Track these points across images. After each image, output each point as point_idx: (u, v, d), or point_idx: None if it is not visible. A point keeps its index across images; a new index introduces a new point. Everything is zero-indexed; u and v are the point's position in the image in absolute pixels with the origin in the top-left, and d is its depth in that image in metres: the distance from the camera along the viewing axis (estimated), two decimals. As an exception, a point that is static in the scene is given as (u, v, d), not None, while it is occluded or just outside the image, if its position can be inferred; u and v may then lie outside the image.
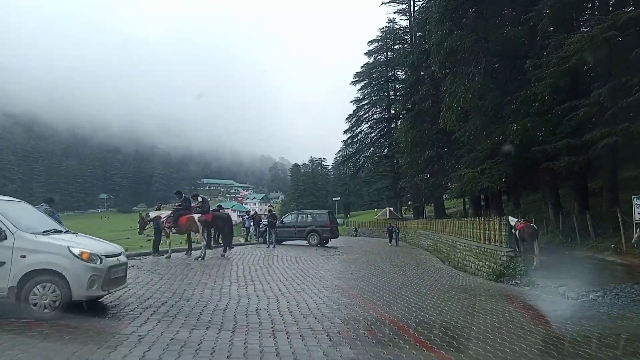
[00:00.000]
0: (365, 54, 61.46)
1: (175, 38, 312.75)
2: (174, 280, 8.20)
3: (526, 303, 7.96)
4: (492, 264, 13.82)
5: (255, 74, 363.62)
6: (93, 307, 5.29)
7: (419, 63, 34.06)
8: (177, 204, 13.08)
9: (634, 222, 14.08)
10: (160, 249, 13.19)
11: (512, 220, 14.73)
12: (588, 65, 15.13)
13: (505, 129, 19.44)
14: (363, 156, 61.85)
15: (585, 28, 17.85)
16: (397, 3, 52.69)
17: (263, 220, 23.97)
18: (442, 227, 27.51)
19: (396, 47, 58.07)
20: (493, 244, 14.84)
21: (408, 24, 52.67)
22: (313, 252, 17.58)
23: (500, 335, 5.11)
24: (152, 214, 12.95)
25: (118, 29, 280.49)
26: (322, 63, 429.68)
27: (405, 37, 54.42)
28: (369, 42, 60.61)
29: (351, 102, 61.74)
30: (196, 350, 4.01)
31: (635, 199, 14.05)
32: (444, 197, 45.42)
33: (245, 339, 4.51)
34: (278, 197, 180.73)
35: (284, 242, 23.13)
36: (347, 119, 62.04)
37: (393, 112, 58.71)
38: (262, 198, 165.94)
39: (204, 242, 12.23)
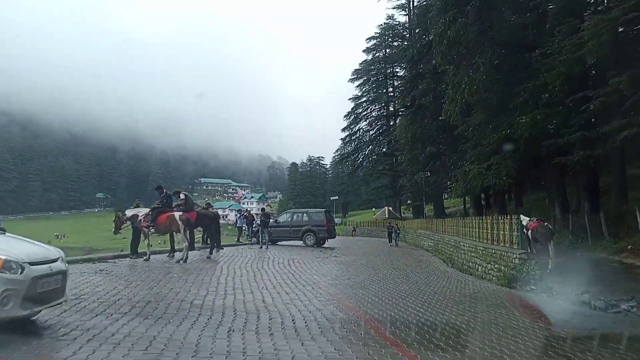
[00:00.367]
0: (364, 51, 60.43)
1: (172, 37, 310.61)
2: (142, 288, 7.01)
3: (554, 316, 6.78)
4: (503, 267, 12.66)
5: (253, 72, 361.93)
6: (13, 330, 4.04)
7: (419, 57, 32.92)
8: (156, 201, 11.88)
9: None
10: (139, 251, 11.99)
11: (524, 220, 13.57)
12: (605, 51, 13.92)
13: (513, 122, 18.28)
14: (361, 154, 60.92)
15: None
16: (397, -3, 51.55)
17: (256, 219, 22.77)
18: (444, 227, 26.39)
19: (395, 43, 56.99)
20: (502, 245, 13.68)
21: (407, 20, 51.71)
22: (308, 254, 16.39)
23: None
24: (129, 212, 11.74)
25: (114, 28, 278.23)
26: (321, 62, 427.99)
27: (404, 33, 53.38)
28: (367, 39, 59.72)
29: (349, 99, 60.77)
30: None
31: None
32: (444, 196, 44.45)
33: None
34: (276, 197, 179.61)
35: (278, 243, 21.98)
36: (345, 116, 61.04)
37: (392, 109, 57.77)
38: (260, 197, 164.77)
39: (186, 243, 11.03)
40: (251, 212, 21.33)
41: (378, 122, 59.86)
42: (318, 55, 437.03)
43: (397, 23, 56.11)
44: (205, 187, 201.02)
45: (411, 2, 48.40)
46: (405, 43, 46.92)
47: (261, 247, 18.11)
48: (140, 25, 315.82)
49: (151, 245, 11.81)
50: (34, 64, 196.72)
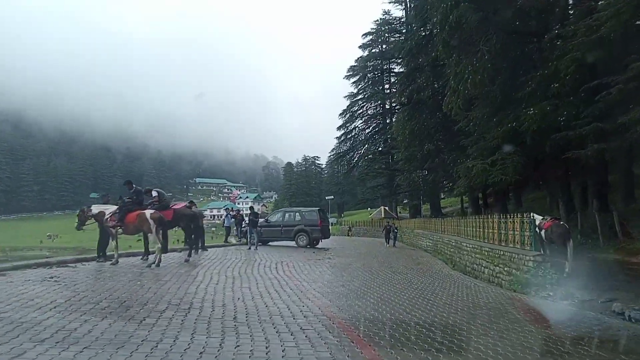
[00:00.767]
0: (360, 47, 59.40)
1: (166, 36, 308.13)
2: (88, 302, 5.68)
3: (596, 334, 5.53)
4: (514, 271, 11.40)
5: (248, 72, 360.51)
6: None
7: (417, 50, 31.62)
8: (126, 198, 10.53)
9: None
10: (107, 253, 10.64)
11: (537, 218, 12.32)
12: (625, 32, 12.70)
13: (519, 114, 17.06)
14: (357, 153, 59.96)
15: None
16: (393, -9, 50.44)
17: (245, 219, 21.39)
18: (443, 227, 25.18)
19: (392, 39, 55.85)
20: (512, 245, 12.45)
21: (404, 14, 50.58)
22: (300, 255, 15.09)
23: None
24: (96, 209, 10.36)
25: (107, 26, 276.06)
26: (317, 60, 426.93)
27: (401, 28, 52.31)
28: (363, 34, 58.66)
29: (345, 97, 59.70)
30: None
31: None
32: (441, 195, 43.38)
33: None
34: (271, 197, 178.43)
35: (269, 243, 20.68)
36: (340, 114, 59.99)
37: (388, 106, 56.73)
38: (255, 197, 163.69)
39: (159, 245, 9.69)
40: (240, 212, 19.94)
41: (374, 120, 58.87)
42: (314, 54, 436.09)
43: (394, 18, 55.16)
44: (200, 187, 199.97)
45: (408, -6, 47.26)
46: (403, 37, 45.72)
47: (249, 249, 16.79)
48: (133, 23, 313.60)
49: (130, 247, 10.49)
50: (25, 62, 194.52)
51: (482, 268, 14.30)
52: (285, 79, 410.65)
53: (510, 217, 12.85)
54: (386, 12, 56.47)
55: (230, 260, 11.93)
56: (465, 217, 24.27)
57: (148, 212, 9.79)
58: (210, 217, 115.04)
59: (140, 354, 3.63)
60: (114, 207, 10.21)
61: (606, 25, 12.42)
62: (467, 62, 18.37)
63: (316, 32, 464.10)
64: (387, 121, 56.70)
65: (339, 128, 59.94)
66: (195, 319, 5.02)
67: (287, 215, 20.73)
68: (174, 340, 4.08)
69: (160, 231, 9.85)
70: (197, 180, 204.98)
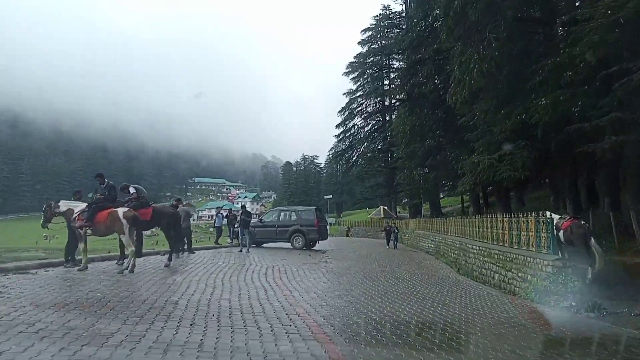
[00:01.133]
0: (359, 43, 58.50)
1: (164, 35, 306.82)
2: (21, 322, 4.56)
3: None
4: (530, 277, 10.29)
5: (246, 71, 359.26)
6: None
7: (419, 42, 30.44)
8: (97, 194, 9.40)
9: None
10: (77, 257, 9.51)
11: (554, 217, 11.21)
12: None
13: (529, 105, 15.94)
14: (356, 152, 58.97)
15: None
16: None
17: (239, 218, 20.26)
18: (446, 227, 24.10)
19: (391, 34, 54.82)
20: (526, 248, 11.34)
21: (403, 8, 49.56)
22: (295, 259, 13.98)
23: None
24: (64, 205, 9.20)
25: (103, 25, 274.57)
26: (316, 60, 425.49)
27: (401, 23, 51.27)
28: (362, 31, 57.89)
29: (344, 94, 58.68)
30: None
31: None
32: (440, 195, 42.35)
33: None
34: (270, 196, 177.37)
35: (264, 245, 19.57)
36: (339, 112, 58.99)
37: (387, 103, 55.70)
38: (254, 197, 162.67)
39: (132, 249, 8.56)
40: (233, 211, 18.80)
41: (373, 117, 57.98)
42: (313, 52, 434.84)
43: (394, 12, 54.25)
44: (199, 187, 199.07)
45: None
46: (403, 31, 44.63)
47: (241, 251, 15.66)
48: (132, 23, 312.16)
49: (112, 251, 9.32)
50: (21, 61, 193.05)
51: (492, 273, 13.20)
52: (284, 78, 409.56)
53: (523, 217, 11.74)
54: (385, 7, 55.63)
55: (217, 265, 10.80)
56: (467, 216, 23.15)
57: (121, 211, 8.66)
58: (209, 217, 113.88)
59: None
60: (84, 205, 9.07)
61: (628, 5, 11.32)
62: (474, 50, 17.24)
63: (315, 31, 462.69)
64: (387, 118, 55.84)
65: (337, 126, 59.05)
66: (150, 347, 3.90)
67: (282, 214, 19.60)
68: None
69: (135, 232, 8.71)
70: (196, 179, 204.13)
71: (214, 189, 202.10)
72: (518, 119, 16.26)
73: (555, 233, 10.79)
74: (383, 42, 56.30)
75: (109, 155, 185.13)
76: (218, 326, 4.79)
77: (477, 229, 16.51)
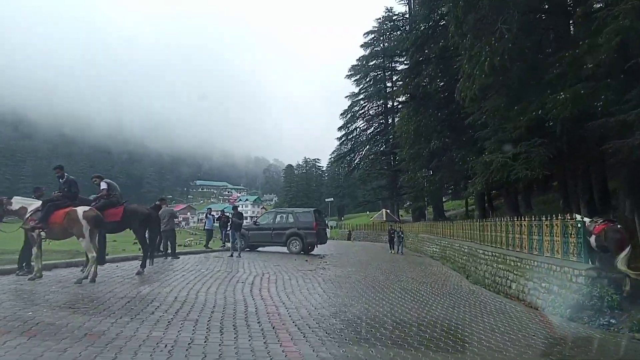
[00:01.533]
0: (362, 46, 57.69)
1: (166, 38, 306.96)
2: None
3: None
4: (556, 288, 8.98)
5: (248, 74, 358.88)
6: None
7: (423, 41, 29.20)
8: (54, 192, 8.11)
9: None
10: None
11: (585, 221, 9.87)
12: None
13: (545, 100, 14.64)
14: (358, 154, 58.09)
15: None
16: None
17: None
18: (452, 231, 22.85)
19: (394, 36, 53.75)
20: (549, 255, 10.04)
21: (407, 10, 48.55)
22: (289, 265, 12.68)
23: None
24: (17, 203, 7.90)
25: (105, 27, 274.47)
26: (318, 63, 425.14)
27: (405, 25, 50.18)
28: (365, 33, 57.04)
29: (346, 97, 57.79)
30: None
31: None
32: (443, 198, 41.11)
33: None
34: (272, 199, 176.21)
35: (258, 249, 18.28)
36: (341, 114, 58.14)
37: (390, 105, 54.70)
38: (255, 200, 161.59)
39: (93, 254, 7.29)
40: (225, 212, 17.49)
41: (376, 119, 57.14)
42: (315, 55, 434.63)
43: (397, 14, 53.19)
44: (200, 190, 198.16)
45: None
46: (406, 32, 43.49)
47: (231, 256, 14.35)
48: (133, 25, 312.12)
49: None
50: (22, 62, 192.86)
51: (508, 282, 11.88)
52: (286, 81, 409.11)
53: (546, 219, 10.44)
54: (388, 10, 54.64)
55: (198, 273, 9.51)
56: (476, 220, 21.83)
57: (80, 210, 7.38)
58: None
59: None
60: (38, 203, 7.77)
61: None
62: (484, 43, 15.93)
63: (317, 34, 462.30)
64: (389, 121, 54.99)
65: (339, 129, 58.13)
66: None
67: (278, 217, 18.28)
68: None
69: (95, 235, 7.42)
70: (198, 182, 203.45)
71: (215, 191, 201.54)
72: (534, 115, 14.93)
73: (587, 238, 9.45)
74: (386, 44, 55.30)
75: (111, 157, 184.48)
76: (200, 345, 3.51)
77: (489, 233, 15.23)
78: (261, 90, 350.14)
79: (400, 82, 41.13)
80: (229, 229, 17.73)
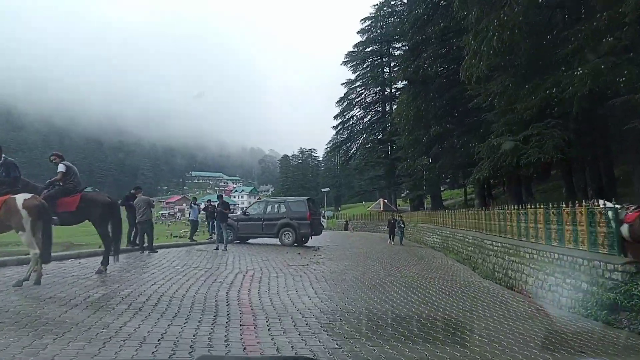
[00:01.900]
0: (358, 32, 56.04)
1: (159, 27, 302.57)
2: None
3: None
4: (585, 285, 7.79)
5: (243, 65, 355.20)
6: None
7: (424, 22, 27.70)
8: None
9: None
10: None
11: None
12: None
13: (560, 77, 13.39)
14: (355, 144, 56.70)
15: None
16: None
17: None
18: (453, 220, 21.67)
19: (391, 20, 52.19)
20: (571, 246, 8.83)
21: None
22: (280, 258, 11.45)
23: None
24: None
25: (98, 17, 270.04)
26: (315, 53, 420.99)
27: (403, 10, 48.52)
28: (361, 20, 55.45)
29: (342, 84, 56.16)
30: None
31: None
32: (441, 187, 40.02)
33: None
34: (268, 190, 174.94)
35: (249, 241, 17.05)
36: (337, 102, 56.51)
37: (388, 92, 53.31)
38: (251, 191, 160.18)
39: (35, 251, 6.02)
40: (212, 202, 16.19)
41: (373, 107, 55.66)
42: (311, 45, 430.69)
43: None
44: (196, 181, 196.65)
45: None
46: (404, 14, 41.90)
47: (217, 249, 13.09)
48: (126, 15, 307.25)
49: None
50: (10, 52, 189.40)
51: (523, 276, 10.69)
52: (282, 71, 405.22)
53: (567, 208, 9.21)
54: (387, -5, 52.90)
55: (173, 270, 8.25)
56: (477, 208, 20.66)
57: (20, 198, 6.08)
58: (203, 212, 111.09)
59: None
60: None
61: None
62: (494, 16, 14.64)
63: (313, 22, 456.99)
64: (387, 109, 53.72)
65: (336, 117, 56.58)
66: None
67: (269, 206, 16.99)
68: None
69: (39, 228, 6.13)
70: (193, 173, 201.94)
71: (211, 182, 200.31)
72: (547, 93, 13.70)
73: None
74: (383, 30, 53.76)
75: (104, 148, 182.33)
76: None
77: (497, 222, 14.02)
78: (256, 80, 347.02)
79: (398, 68, 39.81)
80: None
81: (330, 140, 60.11)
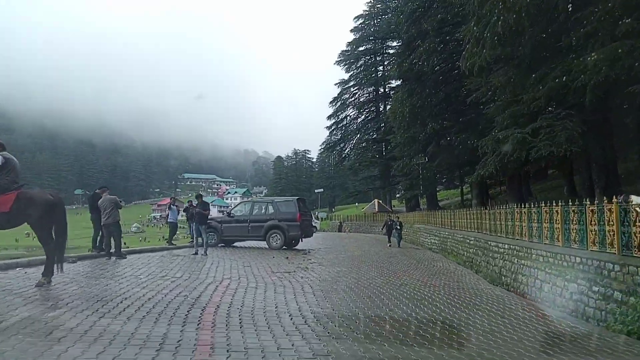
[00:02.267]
0: (352, 30, 55.09)
1: (152, 28, 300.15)
2: None
3: None
4: (618, 294, 6.62)
5: (237, 66, 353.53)
6: None
7: (419, 15, 26.59)
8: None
9: None
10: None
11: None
12: None
13: (571, 65, 12.29)
14: (349, 144, 55.75)
15: None
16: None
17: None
18: (452, 220, 20.56)
19: (385, 18, 51.22)
20: (598, 249, 7.64)
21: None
22: (264, 265, 10.20)
23: None
24: None
25: (90, 17, 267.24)
26: (308, 53, 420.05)
27: (398, 5, 47.50)
28: (355, 17, 54.49)
29: (336, 84, 55.25)
30: None
31: None
32: (437, 187, 39.02)
33: None
34: (262, 192, 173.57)
35: (235, 244, 15.80)
36: (331, 102, 55.57)
37: (382, 91, 52.37)
38: (245, 192, 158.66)
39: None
40: (193, 203, 14.86)
41: (367, 107, 54.70)
42: (304, 46, 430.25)
43: (389, -7, 50.38)
44: (189, 183, 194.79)
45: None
46: (400, 6, 40.83)
47: (196, 254, 11.80)
48: (118, 15, 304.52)
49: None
50: (2, 54, 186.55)
51: (538, 282, 9.52)
52: (276, 73, 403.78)
53: (593, 206, 8.04)
54: (379, -8, 51.97)
55: (134, 280, 6.98)
56: (477, 208, 19.56)
57: None
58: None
59: None
60: None
61: None
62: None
63: (305, 22, 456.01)
64: (381, 108, 52.76)
65: (329, 117, 55.70)
66: None
67: (256, 207, 15.71)
68: None
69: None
70: (186, 175, 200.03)
71: (204, 184, 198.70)
72: (557, 82, 12.57)
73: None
74: (377, 27, 52.76)
75: (96, 150, 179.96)
76: None
77: (504, 222, 12.85)
78: (250, 82, 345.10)
79: (393, 64, 38.73)
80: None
81: (324, 141, 59.14)
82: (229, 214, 15.93)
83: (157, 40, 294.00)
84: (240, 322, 4.56)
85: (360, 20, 54.14)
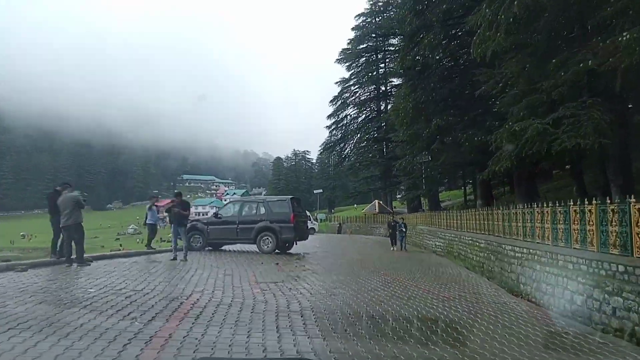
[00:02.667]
0: (353, 29, 54.15)
1: (150, 29, 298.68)
2: None
3: None
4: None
5: (235, 66, 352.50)
6: None
7: (423, 7, 25.24)
8: None
9: None
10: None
11: None
12: None
13: (597, 48, 10.92)
14: (349, 144, 54.69)
15: None
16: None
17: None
18: (459, 222, 19.22)
19: (386, 15, 50.11)
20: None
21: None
22: (247, 273, 8.83)
23: None
24: None
25: (88, 19, 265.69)
26: (308, 53, 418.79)
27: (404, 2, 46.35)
28: (356, 15, 53.65)
29: (336, 83, 54.15)
30: None
31: None
32: (439, 187, 37.77)
33: None
34: (261, 193, 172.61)
35: (224, 247, 14.43)
36: (331, 101, 54.55)
37: (383, 89, 51.28)
38: (244, 194, 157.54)
39: None
40: (175, 201, 13.46)
41: (367, 106, 53.58)
42: (304, 45, 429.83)
43: (390, -9, 49.20)
44: (188, 184, 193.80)
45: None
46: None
47: (174, 259, 10.42)
48: (116, 16, 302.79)
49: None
50: None
51: (566, 292, 8.13)
52: (276, 74, 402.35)
53: (637, 202, 6.67)
54: (382, -10, 50.88)
55: (82, 294, 5.62)
56: (488, 208, 18.23)
57: None
58: (194, 215, 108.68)
59: None
60: None
61: None
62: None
63: (305, 21, 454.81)
64: (382, 107, 51.64)
65: (329, 116, 54.65)
66: None
67: (246, 207, 14.31)
68: None
69: None
70: (185, 177, 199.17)
71: (202, 185, 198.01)
72: (581, 66, 11.17)
73: None
74: (379, 23, 51.70)
75: (94, 152, 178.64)
76: None
77: (521, 224, 11.46)
78: (249, 82, 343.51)
79: (396, 59, 37.45)
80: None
81: (324, 142, 58.06)
82: (215, 215, 14.55)
83: (156, 40, 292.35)
84: (204, 348, 3.15)
85: (362, 18, 53.29)
